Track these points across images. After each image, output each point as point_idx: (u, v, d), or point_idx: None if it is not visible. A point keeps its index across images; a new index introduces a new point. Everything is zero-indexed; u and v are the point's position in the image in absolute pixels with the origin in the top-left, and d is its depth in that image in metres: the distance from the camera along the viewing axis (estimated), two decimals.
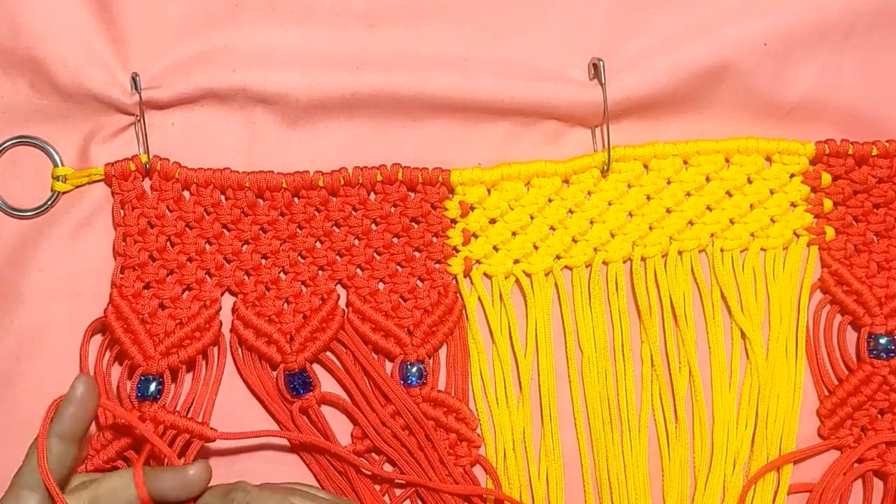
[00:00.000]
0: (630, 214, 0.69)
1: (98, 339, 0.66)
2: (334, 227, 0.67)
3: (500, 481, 0.67)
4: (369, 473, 0.66)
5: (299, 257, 0.66)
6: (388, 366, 0.67)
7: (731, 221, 0.69)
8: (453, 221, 0.67)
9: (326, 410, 0.67)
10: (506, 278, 0.68)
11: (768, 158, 0.69)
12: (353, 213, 0.66)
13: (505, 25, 0.67)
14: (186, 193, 0.65)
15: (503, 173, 0.67)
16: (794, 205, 0.70)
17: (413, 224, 0.67)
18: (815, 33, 0.68)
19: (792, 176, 0.69)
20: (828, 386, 0.70)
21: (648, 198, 0.69)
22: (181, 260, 0.65)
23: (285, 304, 0.66)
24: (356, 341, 0.67)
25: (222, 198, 0.66)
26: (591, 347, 0.68)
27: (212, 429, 0.64)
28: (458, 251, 0.68)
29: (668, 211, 0.69)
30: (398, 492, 0.67)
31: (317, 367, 0.67)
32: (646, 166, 0.69)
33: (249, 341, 0.65)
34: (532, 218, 0.68)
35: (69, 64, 0.64)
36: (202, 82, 0.65)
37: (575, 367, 0.68)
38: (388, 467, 0.67)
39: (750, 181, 0.69)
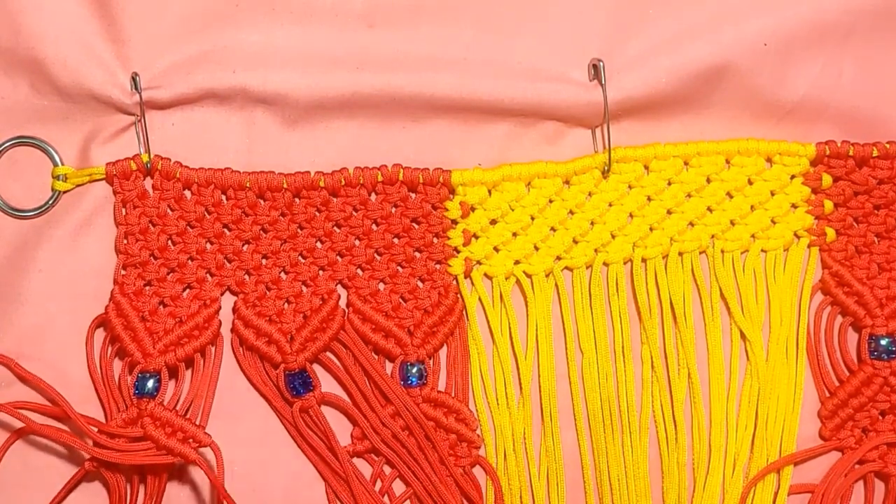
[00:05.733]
0: (630, 215, 0.69)
1: (100, 334, 0.66)
2: (335, 228, 0.67)
3: (500, 482, 0.67)
4: (364, 482, 0.66)
5: (300, 257, 0.67)
6: (389, 366, 0.67)
7: (732, 222, 0.69)
8: (454, 222, 0.67)
9: (326, 411, 0.67)
10: (506, 279, 0.68)
11: (769, 159, 0.69)
12: (354, 213, 0.66)
13: (505, 25, 0.67)
14: (187, 193, 0.66)
15: (504, 174, 0.67)
16: (794, 206, 0.70)
17: (414, 224, 0.67)
18: (815, 33, 0.68)
19: (792, 177, 0.69)
20: (829, 387, 0.70)
21: (649, 199, 0.69)
22: (182, 259, 0.65)
23: (286, 305, 0.66)
24: (356, 342, 0.67)
25: (223, 198, 0.66)
26: (591, 348, 0.68)
27: (206, 433, 0.64)
28: (458, 252, 0.68)
29: (669, 212, 0.69)
30: (398, 492, 0.67)
31: (317, 368, 0.67)
32: (646, 167, 0.69)
33: (250, 341, 0.66)
34: (533, 219, 0.68)
35: (69, 64, 0.64)
36: (202, 82, 0.65)
37: (575, 368, 0.68)
38: (387, 468, 0.67)
39: (750, 182, 0.69)
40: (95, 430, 0.63)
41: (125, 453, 0.63)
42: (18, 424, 0.65)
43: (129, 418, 0.64)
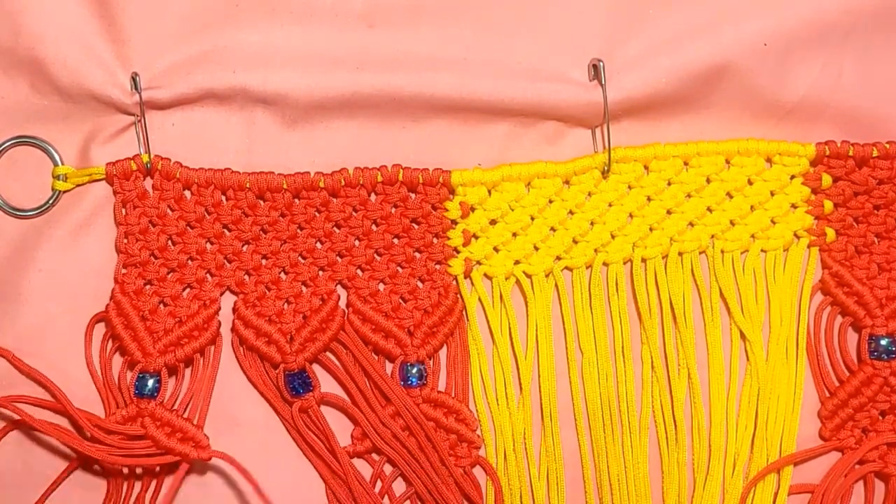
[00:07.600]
0: (630, 215, 0.69)
1: (100, 332, 0.66)
2: (335, 228, 0.67)
3: (500, 482, 0.67)
4: (364, 484, 0.67)
5: (300, 258, 0.67)
6: (389, 366, 0.67)
7: (732, 223, 0.69)
8: (454, 222, 0.67)
9: (326, 411, 0.67)
10: (506, 279, 0.68)
11: (769, 160, 0.69)
12: (354, 213, 0.66)
13: (505, 26, 0.67)
14: (187, 193, 0.66)
15: (504, 174, 0.67)
16: (794, 206, 0.69)
17: (413, 225, 0.67)
18: (815, 33, 0.68)
19: (792, 177, 0.69)
20: (829, 387, 0.70)
21: (649, 199, 0.69)
22: (182, 259, 0.65)
23: (285, 305, 0.66)
24: (356, 342, 0.67)
25: (223, 198, 0.66)
26: (591, 348, 0.68)
27: (205, 435, 0.64)
28: (458, 252, 0.67)
29: (669, 212, 0.69)
30: (398, 492, 0.67)
31: (317, 368, 0.67)
32: (646, 167, 0.68)
33: (250, 341, 0.66)
34: (532, 219, 0.68)
35: (69, 64, 0.64)
36: (202, 82, 0.65)
37: (575, 368, 0.68)
38: (388, 468, 0.67)
39: (750, 182, 0.69)
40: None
41: (115, 450, 0.63)
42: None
43: (128, 415, 0.64)
